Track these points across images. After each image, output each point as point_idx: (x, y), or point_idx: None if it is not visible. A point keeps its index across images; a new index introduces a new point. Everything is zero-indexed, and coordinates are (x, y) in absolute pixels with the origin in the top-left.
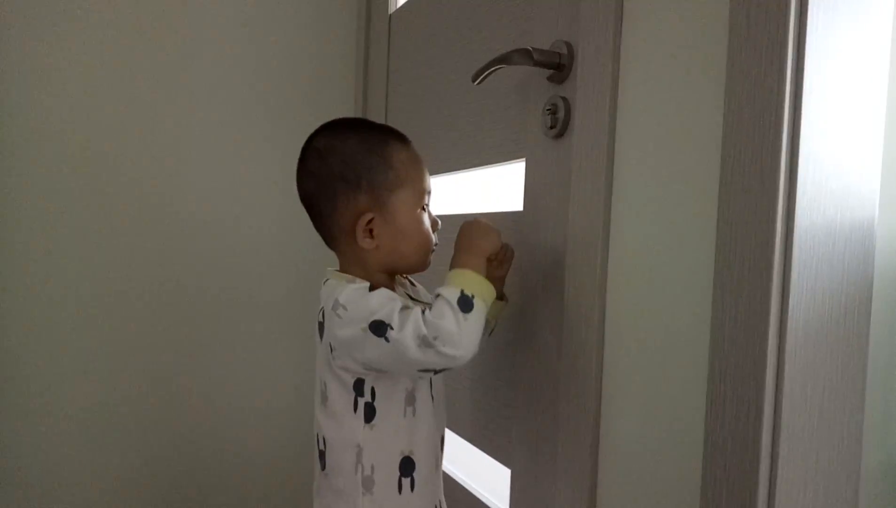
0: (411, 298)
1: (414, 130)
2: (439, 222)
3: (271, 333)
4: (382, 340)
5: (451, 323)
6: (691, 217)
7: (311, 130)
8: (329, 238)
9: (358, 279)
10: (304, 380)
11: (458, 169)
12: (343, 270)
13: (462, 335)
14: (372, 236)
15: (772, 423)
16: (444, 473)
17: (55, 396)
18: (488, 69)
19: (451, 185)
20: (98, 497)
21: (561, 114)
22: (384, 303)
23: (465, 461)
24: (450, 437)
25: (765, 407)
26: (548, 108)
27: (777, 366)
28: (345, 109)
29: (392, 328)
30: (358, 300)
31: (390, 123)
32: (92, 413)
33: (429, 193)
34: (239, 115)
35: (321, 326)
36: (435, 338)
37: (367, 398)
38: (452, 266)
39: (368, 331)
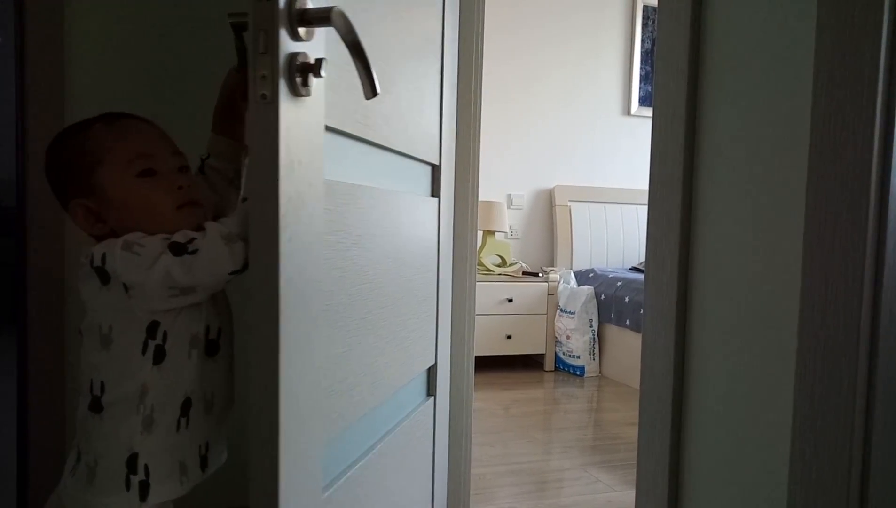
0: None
1: None
2: (186, 184)
3: None
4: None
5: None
6: (779, 208)
7: None
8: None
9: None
10: None
11: None
12: None
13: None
14: (103, 221)
15: (865, 400)
16: None
17: None
18: None
19: None
20: None
21: None
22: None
23: None
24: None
25: (858, 383)
26: None
27: (870, 340)
28: None
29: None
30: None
31: None
32: None
33: (147, 156)
34: None
35: (101, 271)
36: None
37: (159, 340)
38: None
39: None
